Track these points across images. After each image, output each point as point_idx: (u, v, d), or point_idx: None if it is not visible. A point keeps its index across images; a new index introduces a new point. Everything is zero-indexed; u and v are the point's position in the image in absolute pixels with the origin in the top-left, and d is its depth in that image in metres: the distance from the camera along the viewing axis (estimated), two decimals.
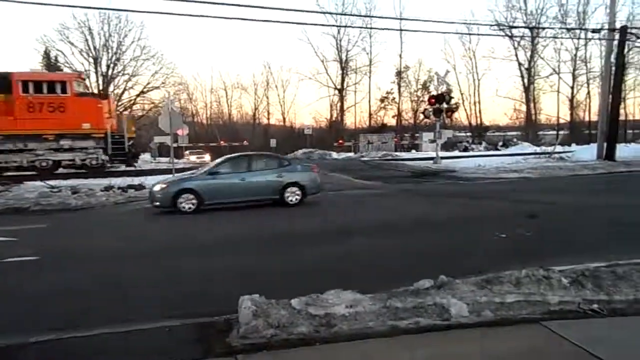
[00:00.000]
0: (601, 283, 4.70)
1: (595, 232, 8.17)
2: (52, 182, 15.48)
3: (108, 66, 41.91)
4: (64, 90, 19.78)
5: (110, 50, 41.66)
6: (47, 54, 41.15)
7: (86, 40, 40.96)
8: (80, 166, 20.58)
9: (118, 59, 42.06)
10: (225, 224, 10.18)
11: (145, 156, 33.64)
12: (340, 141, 40.52)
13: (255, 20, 15.71)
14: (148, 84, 43.58)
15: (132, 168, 21.67)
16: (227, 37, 68.82)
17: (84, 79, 22.83)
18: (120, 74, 42.70)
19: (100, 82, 40.76)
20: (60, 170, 20.38)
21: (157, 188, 11.41)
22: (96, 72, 41.34)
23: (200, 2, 11.38)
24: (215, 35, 70.47)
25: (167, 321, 4.32)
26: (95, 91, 30.47)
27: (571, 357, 3.50)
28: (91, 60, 41.27)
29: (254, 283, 4.96)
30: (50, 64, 39.82)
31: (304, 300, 4.12)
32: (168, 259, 6.94)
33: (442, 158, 23.92)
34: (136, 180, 15.90)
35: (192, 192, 11.04)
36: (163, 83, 43.67)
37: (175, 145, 19.24)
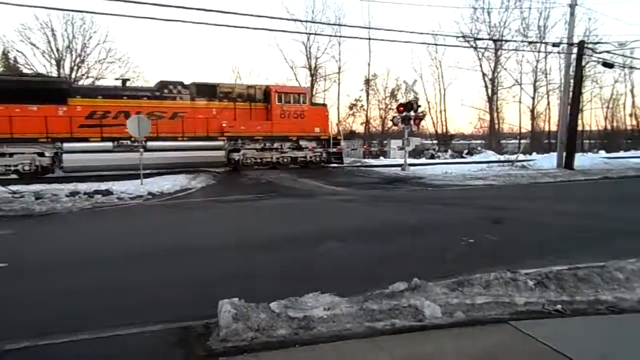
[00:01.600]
0: (564, 285, 4.97)
1: (557, 237, 8.56)
2: (13, 187, 15.03)
3: (71, 68, 40.86)
4: (303, 101, 24.50)
5: (74, 52, 40.66)
6: (5, 55, 39.86)
7: (48, 41, 39.81)
8: (306, 163, 24.70)
9: (82, 61, 41.09)
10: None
11: None
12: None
13: (224, 25, 15.63)
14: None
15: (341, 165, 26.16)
16: (197, 42, 68.26)
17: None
18: (84, 77, 41.70)
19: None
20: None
21: None
22: (58, 74, 40.26)
23: (167, 5, 11.35)
24: (184, 39, 69.71)
25: (149, 326, 4.33)
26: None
27: (537, 354, 3.71)
28: (53, 62, 40.16)
29: (234, 288, 5.01)
30: (10, 65, 38.57)
31: (283, 303, 4.21)
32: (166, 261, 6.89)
33: (410, 165, 24.34)
34: (102, 186, 15.60)
35: None
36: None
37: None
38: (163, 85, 22.23)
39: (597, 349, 3.78)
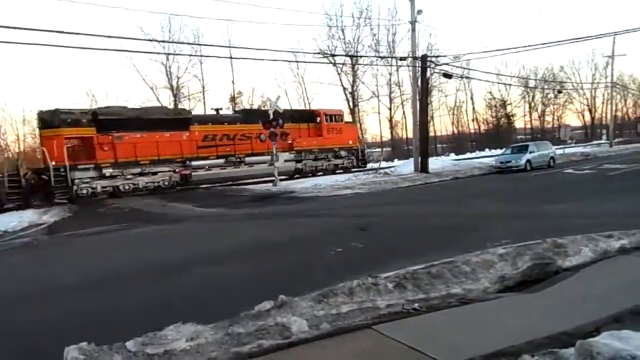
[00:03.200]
0: (419, 283, 5.31)
1: (416, 238, 9.19)
2: None
3: None
4: (341, 120, 31.30)
5: None
6: None
7: None
8: (344, 168, 30.60)
9: None
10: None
11: None
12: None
13: (73, 47, 14.37)
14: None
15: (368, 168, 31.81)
16: (44, 64, 62.00)
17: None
18: None
19: None
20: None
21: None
22: None
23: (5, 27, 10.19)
24: (30, 63, 62.79)
25: None
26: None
27: (397, 355, 3.89)
28: None
29: (86, 330, 4.53)
30: None
31: (140, 340, 3.91)
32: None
33: (281, 180, 24.61)
34: None
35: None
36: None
37: None
38: (247, 112, 30.26)
39: (449, 341, 4.07)
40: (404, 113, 54.09)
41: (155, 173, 22.97)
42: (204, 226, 13.24)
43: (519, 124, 69.37)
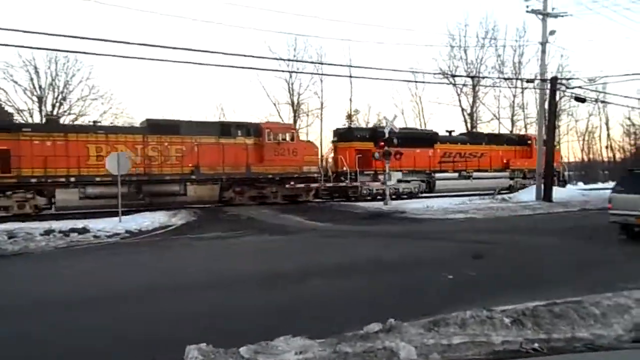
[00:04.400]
0: (540, 322, 4.91)
1: (534, 272, 8.55)
2: None
3: (53, 105, 40.69)
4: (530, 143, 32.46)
5: (56, 90, 40.55)
6: None
7: (31, 79, 39.75)
8: None
9: (64, 98, 40.94)
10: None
11: None
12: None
13: (211, 64, 15.80)
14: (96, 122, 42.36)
15: None
16: (181, 79, 68.50)
17: None
18: (67, 113, 41.47)
19: (44, 121, 39.37)
20: None
21: None
22: (40, 111, 40.02)
23: (154, 45, 11.46)
24: (169, 77, 69.89)
25: None
26: None
27: None
28: (35, 99, 39.99)
29: (204, 328, 4.84)
30: None
31: (253, 348, 4.08)
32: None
33: (392, 199, 24.42)
34: (79, 224, 15.29)
35: None
36: (111, 123, 42.63)
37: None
38: (472, 134, 35.24)
39: None
40: None
41: (408, 181, 27.74)
42: (315, 240, 13.53)
43: None
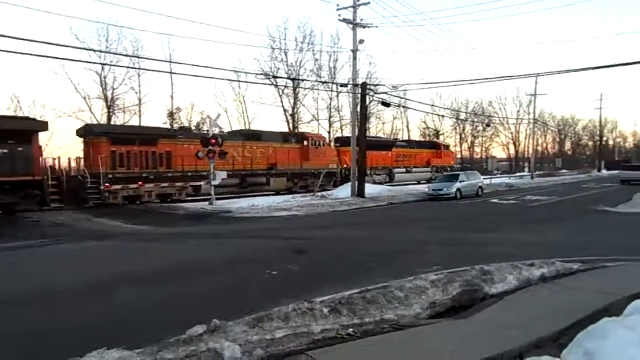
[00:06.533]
0: (355, 308, 5.35)
1: (351, 262, 9.28)
2: None
3: None
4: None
5: None
6: None
7: None
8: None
9: None
10: None
11: None
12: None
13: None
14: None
15: None
16: None
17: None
18: None
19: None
20: None
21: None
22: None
23: None
24: None
25: None
26: None
27: None
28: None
29: None
30: None
31: None
32: None
33: (218, 199, 24.14)
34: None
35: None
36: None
37: None
38: (410, 142, 47.18)
39: None
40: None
41: (379, 174, 37.57)
42: (131, 245, 12.68)
43: None
